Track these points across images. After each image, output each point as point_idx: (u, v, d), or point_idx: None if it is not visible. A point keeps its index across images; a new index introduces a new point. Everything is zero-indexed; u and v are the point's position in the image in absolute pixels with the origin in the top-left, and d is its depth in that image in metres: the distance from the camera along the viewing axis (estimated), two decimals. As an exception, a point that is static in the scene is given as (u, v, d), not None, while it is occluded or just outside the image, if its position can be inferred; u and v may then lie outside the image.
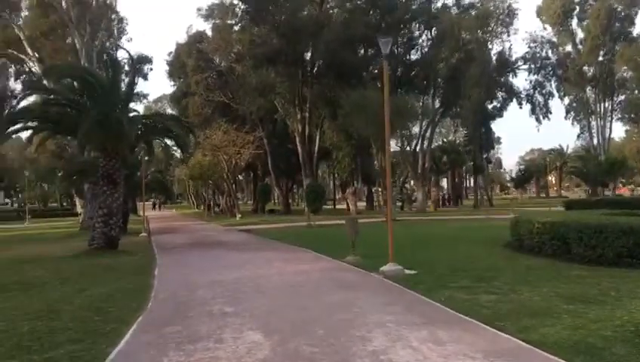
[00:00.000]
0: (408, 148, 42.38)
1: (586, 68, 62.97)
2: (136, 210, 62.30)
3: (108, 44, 43.06)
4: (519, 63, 45.61)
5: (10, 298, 10.31)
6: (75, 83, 18.49)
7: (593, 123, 65.75)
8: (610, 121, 65.44)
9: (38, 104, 17.25)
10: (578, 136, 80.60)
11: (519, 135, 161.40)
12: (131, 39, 76.17)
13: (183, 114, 50.38)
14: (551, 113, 46.88)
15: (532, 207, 44.96)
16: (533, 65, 44.06)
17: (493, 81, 43.50)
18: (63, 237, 27.27)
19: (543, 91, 46.33)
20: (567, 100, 65.91)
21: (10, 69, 43.80)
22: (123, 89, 19.49)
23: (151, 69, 52.67)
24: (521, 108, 48.86)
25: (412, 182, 54.40)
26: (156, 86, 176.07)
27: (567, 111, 65.71)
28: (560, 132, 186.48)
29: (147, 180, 29.01)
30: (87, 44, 33.77)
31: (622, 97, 64.57)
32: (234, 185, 50.20)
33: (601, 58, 61.72)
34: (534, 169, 78.78)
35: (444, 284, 9.18)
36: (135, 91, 44.74)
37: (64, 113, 17.19)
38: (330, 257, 14.08)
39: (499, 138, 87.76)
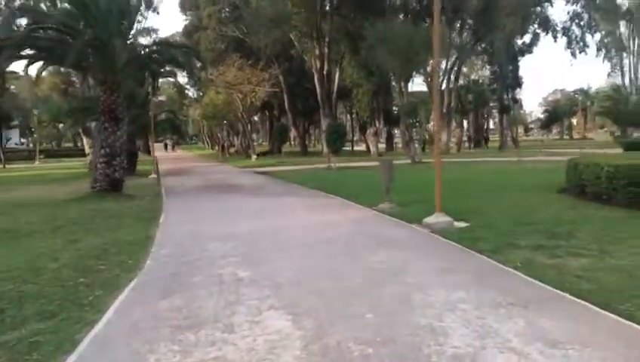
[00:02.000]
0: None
1: (619, 1, 58.83)
2: (149, 150, 61.14)
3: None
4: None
5: (-10, 250, 8.77)
6: (70, 6, 16.37)
7: (625, 61, 62.05)
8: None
9: (25, 29, 15.22)
10: (608, 75, 76.77)
11: (540, 75, 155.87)
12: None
13: (193, 48, 47.98)
14: (588, 47, 43.56)
15: (563, 149, 42.63)
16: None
17: (529, 11, 40.17)
18: (69, 178, 25.82)
19: (581, 23, 42.85)
20: (597, 36, 62.08)
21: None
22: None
23: (161, 1, 49.89)
24: (555, 41, 45.61)
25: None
26: (170, 22, 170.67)
27: (599, 48, 61.91)
28: (582, 73, 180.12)
29: (158, 119, 27.19)
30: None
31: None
32: (249, 125, 48.27)
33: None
34: (559, 110, 75.42)
35: (511, 242, 7.33)
36: (144, 25, 42.58)
37: (56, 39, 15.18)
38: (359, 205, 12.29)
39: (521, 78, 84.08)
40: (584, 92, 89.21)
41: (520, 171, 20.88)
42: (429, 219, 8.99)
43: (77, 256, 8.06)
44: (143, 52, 16.64)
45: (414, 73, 35.98)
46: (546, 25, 43.86)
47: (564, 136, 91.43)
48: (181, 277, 6.46)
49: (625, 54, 61.32)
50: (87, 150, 30.70)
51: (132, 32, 17.29)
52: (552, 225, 8.46)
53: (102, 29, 15.04)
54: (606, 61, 65.63)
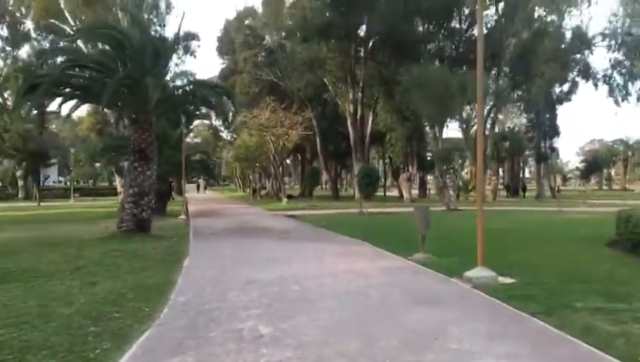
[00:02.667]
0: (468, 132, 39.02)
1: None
2: (181, 190, 61.59)
3: (154, 18, 41.50)
4: (597, 39, 41.16)
5: (7, 290, 8.39)
6: (107, 46, 16.48)
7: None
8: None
9: (58, 67, 15.30)
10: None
11: (577, 124, 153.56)
12: (179, 14, 74.12)
13: (229, 92, 48.62)
14: (630, 95, 42.40)
15: (603, 200, 41.09)
16: (613, 42, 39.67)
17: (568, 58, 39.48)
18: (100, 217, 25.75)
19: (623, 71, 41.81)
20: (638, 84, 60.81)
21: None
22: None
23: (198, 46, 51.09)
24: (596, 89, 44.37)
25: (468, 169, 51.04)
26: (207, 66, 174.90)
27: (639, 97, 60.50)
28: (620, 123, 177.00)
29: (189, 160, 27.15)
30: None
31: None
32: (281, 168, 48.16)
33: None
34: (599, 160, 73.51)
35: (566, 303, 6.54)
36: (182, 68, 43.41)
37: (90, 78, 15.20)
38: (392, 253, 11.58)
39: (558, 126, 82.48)
40: (624, 142, 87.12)
41: (562, 222, 19.86)
42: (470, 273, 8.24)
43: (92, 300, 7.59)
44: (175, 92, 16.51)
45: (449, 119, 35.44)
46: (587, 72, 42.99)
47: (603, 187, 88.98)
48: (198, 330, 5.88)
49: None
50: (119, 189, 30.83)
51: (167, 72, 17.23)
52: (608, 284, 7.62)
53: (136, 67, 15.01)
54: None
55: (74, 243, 14.68)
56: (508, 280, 8.09)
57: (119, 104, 15.64)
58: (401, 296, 7.27)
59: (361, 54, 39.67)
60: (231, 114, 24.93)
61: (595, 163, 66.05)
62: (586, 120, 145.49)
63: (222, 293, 7.87)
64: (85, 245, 14.29)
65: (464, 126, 36.55)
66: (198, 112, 19.84)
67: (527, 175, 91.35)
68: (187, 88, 16.74)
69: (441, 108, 27.00)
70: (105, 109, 21.26)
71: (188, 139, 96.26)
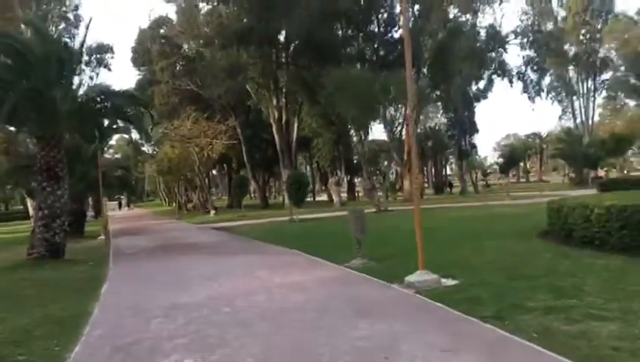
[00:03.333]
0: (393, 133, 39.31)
1: (567, 46, 60.98)
2: (100, 210, 58.54)
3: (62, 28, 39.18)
4: (510, 37, 42.70)
5: None
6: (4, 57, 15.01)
7: (576, 103, 64.06)
8: (594, 101, 63.88)
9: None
10: (560, 118, 78.75)
11: (492, 120, 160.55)
12: (89, 26, 70.71)
13: (148, 103, 46.69)
14: (543, 91, 44.34)
15: (524, 192, 42.67)
16: (524, 40, 41.35)
17: (484, 56, 40.69)
18: (10, 243, 23.70)
19: (535, 68, 43.65)
20: (547, 80, 63.87)
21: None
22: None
23: (112, 58, 48.53)
24: (512, 86, 46.13)
25: (394, 170, 51.76)
26: (123, 79, 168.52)
27: (549, 92, 63.51)
28: (532, 117, 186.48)
29: (106, 177, 25.55)
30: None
31: (605, 76, 62.79)
32: (207, 180, 46.81)
33: (582, 37, 59.77)
34: (516, 154, 76.84)
35: (515, 303, 6.19)
36: (96, 82, 41.10)
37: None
38: (328, 261, 11.03)
39: (476, 123, 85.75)
40: (538, 136, 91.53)
41: (490, 216, 20.08)
42: (412, 278, 7.81)
43: (-9, 342, 6.56)
44: (87, 104, 15.19)
45: (373, 121, 35.63)
46: (502, 70, 44.57)
47: (521, 180, 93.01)
48: (112, 372, 5.06)
49: (575, 97, 63.26)
50: (31, 212, 28.60)
51: (75, 84, 15.88)
52: (553, 279, 7.40)
53: (39, 78, 13.70)
54: (556, 104, 67.64)
55: (-24, 276, 13.19)
56: (451, 282, 7.73)
57: (22, 118, 14.20)
58: (342, 310, 6.70)
59: (283, 59, 39.14)
60: (150, 126, 23.56)
61: (513, 157, 68.90)
62: (501, 116, 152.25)
63: (144, 322, 7.02)
64: (-11, 276, 12.86)
65: (389, 128, 36.78)
66: (115, 126, 18.49)
67: (448, 172, 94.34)
68: (99, 99, 15.47)
69: (365, 110, 26.95)
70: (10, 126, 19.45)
71: (107, 155, 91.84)
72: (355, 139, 39.91)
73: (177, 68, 46.45)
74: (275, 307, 7.20)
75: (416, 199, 8.47)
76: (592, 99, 63.18)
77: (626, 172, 69.14)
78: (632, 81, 58.29)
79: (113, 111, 15.69)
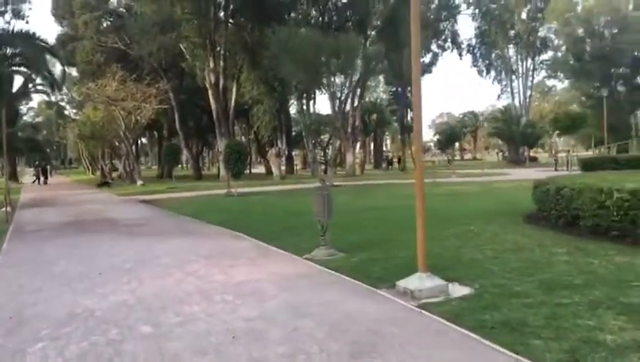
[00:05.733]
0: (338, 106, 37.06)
1: (508, 26, 60.74)
2: (16, 175, 53.18)
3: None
4: (462, 7, 41.14)
5: None
6: None
7: (514, 83, 64.25)
8: (532, 81, 64.33)
9: None
10: (498, 97, 79.52)
11: (427, 99, 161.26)
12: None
13: (69, 61, 42.26)
14: (493, 65, 43.33)
15: (466, 169, 41.92)
16: (477, 10, 39.93)
17: (437, 26, 38.97)
18: None
19: (487, 40, 42.44)
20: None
21: None
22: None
23: (30, 9, 43.55)
24: (461, 58, 44.81)
25: (336, 143, 49.87)
26: (44, 34, 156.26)
27: (488, 71, 63.29)
28: (462, 97, 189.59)
29: (14, 139, 21.97)
30: None
31: (544, 56, 63.18)
32: (134, 147, 43.13)
33: (524, 16, 59.60)
34: (453, 132, 76.82)
35: (587, 337, 4.15)
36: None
37: None
38: (283, 250, 8.76)
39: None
40: (473, 114, 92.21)
41: (452, 195, 18.38)
42: (409, 283, 5.66)
43: None
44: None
45: (318, 90, 33.31)
46: (454, 40, 43.11)
47: (455, 158, 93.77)
48: None
49: (514, 77, 63.34)
50: None
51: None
52: (608, 291, 5.40)
53: None
54: (496, 83, 67.66)
55: None
56: (462, 290, 5.64)
57: None
58: (321, 340, 4.43)
59: (222, 17, 35.84)
60: (59, 78, 20.18)
61: (451, 135, 68.69)
62: (436, 94, 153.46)
63: (18, 346, 4.57)
64: None
65: (334, 98, 34.50)
66: (17, 72, 15.17)
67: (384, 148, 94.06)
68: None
69: (312, 74, 24.58)
70: None
71: (27, 118, 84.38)
72: (297, 108, 37.50)
73: (103, 23, 42.21)
74: (218, 329, 4.86)
75: (419, 174, 6.29)
76: (531, 79, 63.65)
77: (554, 152, 70.38)
78: (571, 62, 58.88)
79: (11, 56, 12.52)
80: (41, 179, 42.86)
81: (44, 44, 14.16)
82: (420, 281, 5.55)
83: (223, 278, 7.01)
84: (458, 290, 5.63)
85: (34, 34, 12.83)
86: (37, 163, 48.60)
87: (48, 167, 51.91)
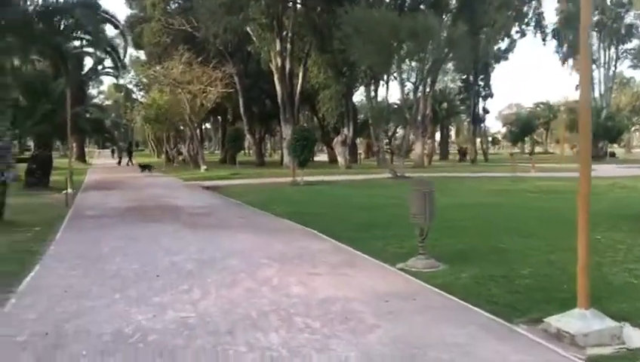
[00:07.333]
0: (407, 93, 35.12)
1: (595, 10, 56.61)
2: (84, 156, 54.21)
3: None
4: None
5: None
6: None
7: (595, 73, 60.10)
8: (614, 71, 59.98)
9: None
10: (577, 87, 74.58)
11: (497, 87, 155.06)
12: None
13: (136, 42, 42.27)
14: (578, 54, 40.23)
15: (544, 163, 39.15)
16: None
17: (521, 7, 36.22)
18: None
19: (575, 25, 39.24)
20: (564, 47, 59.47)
21: None
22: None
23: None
24: (545, 44, 41.69)
25: (403, 132, 47.93)
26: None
27: (564, 59, 59.14)
28: (532, 88, 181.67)
29: (79, 120, 21.58)
30: None
31: (629, 45, 58.59)
32: (198, 131, 42.76)
33: (609, 2, 55.35)
34: (528, 124, 72.58)
35: None
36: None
37: None
38: (369, 256, 7.35)
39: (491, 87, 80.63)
40: (547, 105, 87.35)
41: (543, 192, 16.42)
42: (566, 322, 4.12)
43: None
44: (32, 17, 11.03)
45: (390, 74, 31.55)
46: (540, 24, 40.17)
47: (526, 151, 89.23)
48: None
49: (595, 67, 59.17)
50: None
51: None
52: None
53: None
54: (574, 73, 63.35)
55: None
56: (641, 337, 4.07)
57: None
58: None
59: (290, -2, 34.60)
60: (122, 52, 19.43)
61: (525, 127, 64.97)
62: (506, 84, 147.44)
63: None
64: None
65: (405, 84, 32.67)
66: (82, 49, 14.40)
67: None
68: (47, 7, 11.32)
69: (386, 57, 22.95)
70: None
71: (97, 101, 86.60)
72: (364, 95, 35.84)
73: (171, 5, 41.91)
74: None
75: (586, 176, 4.71)
76: (614, 69, 59.33)
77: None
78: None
79: (70, 27, 11.63)
80: (125, 160, 43.34)
81: (106, 16, 13.32)
82: (583, 322, 4.01)
83: (304, 292, 5.69)
84: (636, 336, 4.04)
85: (96, 2, 11.94)
86: (120, 145, 49.94)
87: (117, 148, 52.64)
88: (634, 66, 56.77)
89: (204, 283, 6.17)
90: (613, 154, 61.29)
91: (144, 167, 32.06)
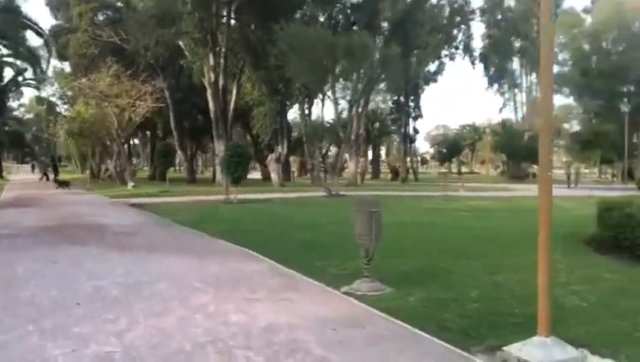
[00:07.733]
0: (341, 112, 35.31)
1: (513, 38, 59.55)
2: (1, 171, 51.04)
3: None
4: (476, 14, 39.62)
5: None
6: None
7: (517, 97, 63.31)
8: (536, 96, 63.22)
9: None
10: (500, 110, 78.15)
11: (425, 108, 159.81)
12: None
13: (61, 53, 40.33)
14: (506, 74, 41.99)
15: (471, 183, 40.33)
16: (492, 18, 38.46)
17: (451, 31, 37.34)
18: None
19: (501, 50, 41.03)
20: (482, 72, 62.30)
21: None
22: None
23: (25, 1, 41.66)
24: (474, 67, 43.21)
25: (335, 150, 48.26)
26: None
27: (490, 82, 61.89)
28: (458, 110, 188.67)
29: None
30: None
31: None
32: (126, 146, 41.11)
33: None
34: (455, 145, 74.99)
35: None
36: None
37: None
38: (312, 279, 6.97)
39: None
40: (473, 127, 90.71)
41: (478, 212, 16.67)
42: (526, 352, 3.90)
43: None
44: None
45: (323, 92, 31.59)
46: (468, 48, 41.60)
47: (452, 171, 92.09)
48: None
49: (517, 90, 62.21)
50: None
51: None
52: None
53: None
54: (498, 95, 66.31)
55: None
56: (604, 365, 3.91)
57: None
58: None
59: (224, 12, 33.98)
60: (45, 63, 18.30)
61: (452, 148, 67.05)
62: (432, 106, 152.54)
63: None
64: None
65: (337, 104, 32.73)
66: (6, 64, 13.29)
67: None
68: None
69: (321, 75, 22.88)
70: None
71: (17, 114, 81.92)
72: (298, 112, 35.72)
73: (99, 16, 40.31)
74: None
75: (546, 202, 4.55)
76: (535, 93, 62.53)
77: (572, 169, 69.48)
78: (577, 77, 57.59)
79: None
80: (51, 175, 41.03)
81: (29, 22, 12.28)
82: (544, 350, 3.80)
83: (243, 320, 5.23)
84: (598, 364, 3.87)
85: (17, 7, 10.95)
86: (42, 160, 47.45)
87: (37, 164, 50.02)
88: (554, 91, 59.89)
89: (131, 311, 5.58)
90: (534, 175, 64.25)
91: (62, 183, 30.39)
